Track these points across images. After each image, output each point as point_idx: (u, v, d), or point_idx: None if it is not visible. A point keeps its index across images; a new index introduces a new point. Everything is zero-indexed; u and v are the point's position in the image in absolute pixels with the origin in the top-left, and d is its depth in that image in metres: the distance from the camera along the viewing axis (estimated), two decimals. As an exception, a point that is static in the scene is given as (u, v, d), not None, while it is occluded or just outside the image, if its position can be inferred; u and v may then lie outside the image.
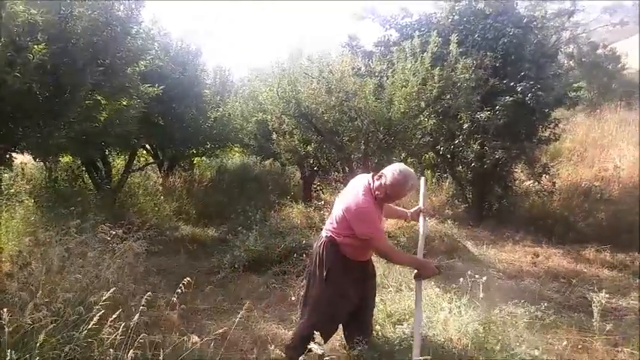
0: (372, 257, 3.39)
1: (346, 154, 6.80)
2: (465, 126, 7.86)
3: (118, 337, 1.88)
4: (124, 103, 5.62)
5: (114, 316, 1.95)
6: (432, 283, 4.46)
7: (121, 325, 1.94)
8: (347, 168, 7.17)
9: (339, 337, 3.50)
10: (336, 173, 7.78)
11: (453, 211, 9.15)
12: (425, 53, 6.20)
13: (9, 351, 1.63)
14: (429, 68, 6.23)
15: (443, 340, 3.08)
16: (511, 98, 7.05)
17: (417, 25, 7.67)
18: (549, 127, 7.88)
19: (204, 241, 7.90)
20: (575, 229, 7.68)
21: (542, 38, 7.41)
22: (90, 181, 8.69)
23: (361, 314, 3.23)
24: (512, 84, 7.23)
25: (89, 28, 4.20)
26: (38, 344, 1.73)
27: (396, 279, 4.65)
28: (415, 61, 6.29)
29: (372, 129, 6.34)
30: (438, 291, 4.01)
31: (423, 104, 6.32)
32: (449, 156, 8.52)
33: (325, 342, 3.01)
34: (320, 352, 1.95)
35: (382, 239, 3.06)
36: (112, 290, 2.19)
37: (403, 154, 7.09)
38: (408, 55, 6.40)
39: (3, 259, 4.37)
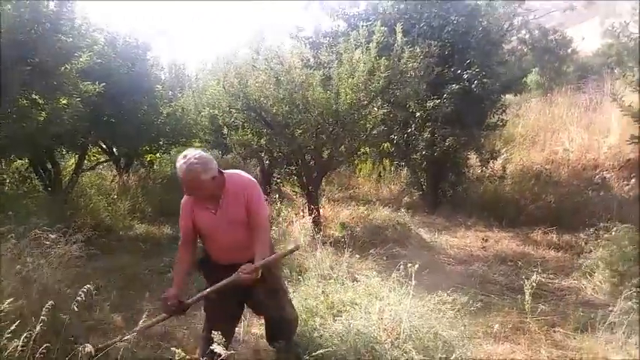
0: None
1: (298, 147, 6.79)
2: (417, 114, 7.96)
3: (18, 348, 1.83)
4: (63, 101, 5.44)
5: (12, 327, 1.89)
6: (374, 271, 4.52)
7: (22, 335, 1.89)
8: (300, 160, 7.17)
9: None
10: (289, 167, 7.78)
11: (410, 199, 9.28)
12: (371, 43, 6.22)
13: None
14: (376, 58, 6.26)
15: (376, 330, 3.11)
16: (458, 86, 7.17)
17: (365, 14, 7.69)
18: (497, 114, 8.05)
19: (158, 239, 7.78)
20: (525, 213, 7.88)
21: (487, 25, 7.53)
22: (38, 182, 8.42)
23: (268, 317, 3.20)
24: (458, 72, 7.35)
25: (15, 25, 4.04)
26: None
27: (343, 271, 4.68)
28: (362, 52, 6.31)
29: (321, 120, 6.34)
30: (379, 280, 4.05)
31: (371, 94, 6.35)
32: (403, 144, 8.62)
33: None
34: (221, 352, 1.95)
35: (181, 239, 2.98)
36: (8, 301, 2.12)
37: (355, 145, 7.11)
38: (354, 45, 6.42)
39: None
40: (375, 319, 3.23)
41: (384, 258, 5.51)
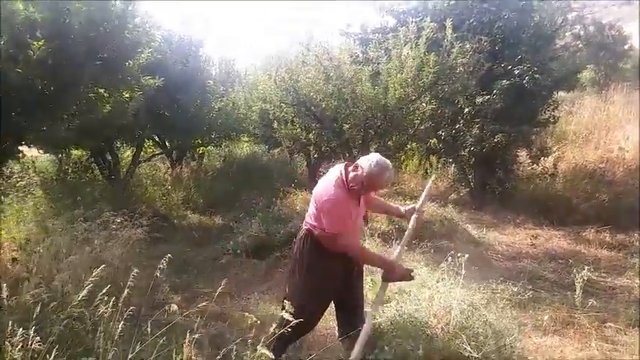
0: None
1: (346, 141, 6.91)
2: (466, 110, 7.92)
3: (109, 309, 2.06)
4: (126, 95, 5.77)
5: (104, 291, 2.12)
6: (422, 262, 4.59)
7: (111, 299, 2.12)
8: (347, 154, 7.28)
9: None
10: (337, 160, 7.90)
11: (457, 196, 9.24)
12: (420, 39, 6.25)
13: (10, 323, 1.80)
14: (425, 54, 6.29)
15: (427, 316, 3.20)
16: (508, 82, 7.09)
17: (414, 11, 7.71)
18: (548, 110, 7.90)
19: (210, 228, 8.09)
20: (576, 211, 7.73)
21: (540, 21, 7.40)
22: (99, 172, 8.92)
23: (348, 308, 3.11)
24: (509, 67, 7.26)
25: (86, 24, 4.35)
26: (35, 316, 1.91)
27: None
28: (411, 48, 6.35)
29: (370, 115, 6.44)
30: (427, 270, 4.12)
31: (419, 90, 6.39)
32: (450, 140, 8.58)
33: (305, 333, 3.08)
34: None
35: (349, 237, 2.86)
36: (101, 267, 2.36)
37: (402, 139, 7.16)
38: (403, 41, 6.47)
39: (14, 247, 4.61)
40: (425, 306, 3.31)
41: (432, 251, 5.55)
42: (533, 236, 6.91)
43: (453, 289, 3.59)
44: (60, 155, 8.48)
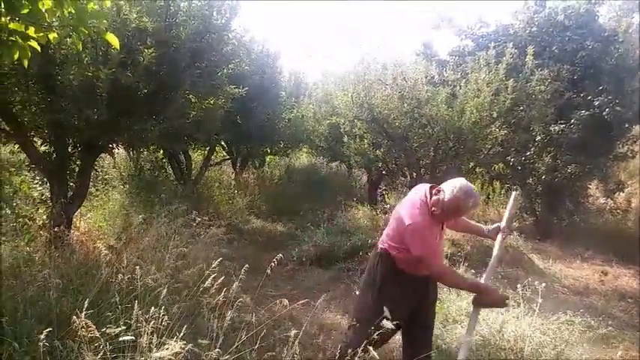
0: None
1: (415, 160, 7.00)
2: (538, 138, 7.81)
3: (220, 299, 2.28)
4: (212, 102, 6.13)
5: (219, 280, 2.36)
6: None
7: (222, 290, 2.35)
8: (414, 173, 7.35)
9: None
10: (403, 178, 7.98)
11: (520, 224, 9.07)
12: (499, 64, 6.28)
13: (136, 302, 2.04)
14: (503, 79, 6.31)
15: (500, 341, 3.24)
16: (587, 112, 6.96)
17: (494, 35, 7.72)
18: (627, 144, 7.67)
19: (273, 234, 8.35)
20: (648, 250, 7.42)
21: (624, 52, 7.23)
22: (172, 172, 9.40)
23: (416, 331, 3.01)
24: (589, 98, 7.12)
25: (191, 34, 4.71)
26: (161, 298, 2.15)
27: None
28: (489, 72, 6.39)
29: (442, 136, 6.50)
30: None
31: (494, 115, 6.40)
32: (519, 168, 8.47)
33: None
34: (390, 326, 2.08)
35: (435, 259, 2.79)
36: (219, 260, 2.61)
37: (472, 164, 7.16)
38: (482, 65, 6.51)
39: (105, 236, 5.02)
40: (497, 329, 3.35)
41: (500, 277, 5.52)
42: (603, 272, 6.70)
43: (523, 316, 3.61)
44: (137, 154, 9.01)
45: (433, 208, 2.74)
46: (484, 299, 2.80)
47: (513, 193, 3.25)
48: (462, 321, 4.02)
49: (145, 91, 4.61)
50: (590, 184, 8.55)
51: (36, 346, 1.94)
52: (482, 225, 3.30)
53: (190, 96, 5.86)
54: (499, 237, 3.09)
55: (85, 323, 1.77)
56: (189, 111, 5.79)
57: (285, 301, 2.57)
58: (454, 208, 2.71)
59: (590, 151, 7.39)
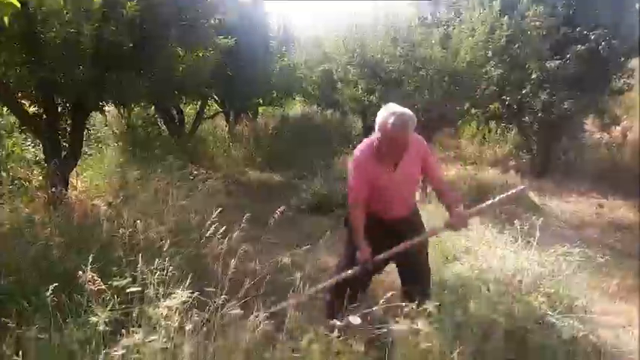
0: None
1: (410, 104, 6.90)
2: (534, 76, 7.70)
3: (223, 248, 2.31)
4: (200, 54, 5.99)
5: (221, 230, 2.39)
6: (490, 225, 4.65)
7: (224, 239, 2.37)
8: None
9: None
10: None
11: (516, 162, 9.11)
12: (494, 1, 6.11)
13: (140, 255, 2.06)
14: (498, 16, 6.15)
15: (500, 275, 3.30)
16: (583, 47, 6.82)
17: (488, -28, 7.44)
18: (623, 78, 7.58)
19: (270, 185, 8.37)
20: (644, 183, 7.50)
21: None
22: (164, 127, 9.30)
23: (404, 272, 2.94)
24: (585, 32, 6.97)
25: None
26: (164, 249, 2.17)
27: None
28: (483, 9, 6.22)
29: (437, 79, 6.41)
30: (495, 231, 4.20)
31: (489, 53, 6.29)
32: (515, 106, 8.40)
33: (354, 293, 2.59)
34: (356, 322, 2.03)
35: (357, 197, 2.69)
36: (219, 210, 2.63)
37: (467, 105, 7.10)
38: (476, 3, 6.33)
39: (103, 194, 5.02)
40: (496, 265, 3.41)
41: (500, 214, 5.58)
42: (599, 205, 6.78)
43: (521, 250, 3.67)
44: (128, 111, 8.88)
45: (375, 142, 2.62)
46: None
47: (522, 185, 3.01)
48: (461, 257, 4.09)
49: (131, 45, 4.47)
50: (587, 121, 8.52)
51: (44, 302, 1.97)
52: (460, 201, 2.91)
53: (178, 49, 5.72)
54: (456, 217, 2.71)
55: (92, 276, 1.79)
56: (178, 64, 5.66)
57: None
58: (382, 132, 2.51)
59: (586, 87, 7.30)
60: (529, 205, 6.64)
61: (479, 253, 3.84)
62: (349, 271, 2.65)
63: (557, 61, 7.02)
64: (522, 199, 6.66)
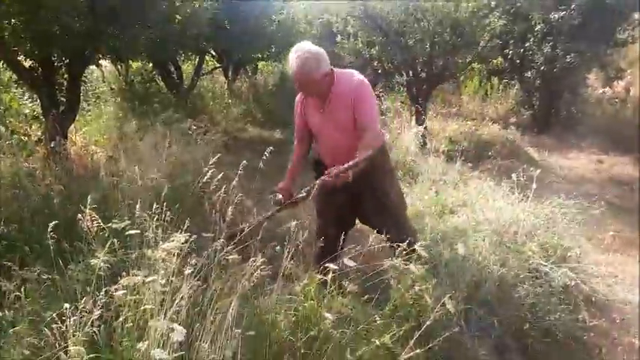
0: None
1: (411, 57, 6.81)
2: (537, 27, 7.54)
3: (220, 196, 2.34)
4: (196, 4, 5.85)
5: (219, 176, 2.42)
6: (488, 178, 4.68)
7: (222, 188, 2.40)
8: (411, 72, 7.20)
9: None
10: (400, 77, 7.82)
11: (517, 119, 9.04)
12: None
13: (139, 200, 2.09)
14: (502, -36, 5.98)
15: (496, 226, 3.34)
16: (589, -5, 6.66)
17: None
18: (628, 29, 7.42)
19: (269, 142, 8.34)
20: (645, 138, 7.47)
21: None
22: (162, 83, 9.20)
23: (375, 223, 2.80)
24: (589, -20, 6.78)
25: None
26: (162, 195, 2.20)
27: (454, 176, 4.88)
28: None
29: (439, 30, 6.28)
30: (493, 184, 4.23)
31: (492, 3, 6.14)
32: (517, 61, 8.26)
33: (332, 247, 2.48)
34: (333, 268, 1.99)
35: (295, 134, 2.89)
36: (217, 156, 2.65)
37: (469, 58, 6.98)
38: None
39: (103, 149, 5.03)
40: (493, 216, 3.45)
41: (494, 170, 5.60)
42: (599, 161, 6.78)
43: (518, 203, 3.70)
44: (125, 66, 8.76)
45: None
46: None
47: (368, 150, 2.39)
48: (458, 210, 4.13)
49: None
50: (589, 75, 8.40)
51: (46, 248, 2.01)
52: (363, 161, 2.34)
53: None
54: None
55: (91, 215, 1.82)
56: (174, 15, 5.54)
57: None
58: (294, 73, 2.50)
59: (590, 39, 7.16)
60: (529, 160, 6.64)
61: (476, 206, 3.87)
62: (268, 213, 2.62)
63: (562, 12, 6.86)
64: (520, 155, 6.67)
